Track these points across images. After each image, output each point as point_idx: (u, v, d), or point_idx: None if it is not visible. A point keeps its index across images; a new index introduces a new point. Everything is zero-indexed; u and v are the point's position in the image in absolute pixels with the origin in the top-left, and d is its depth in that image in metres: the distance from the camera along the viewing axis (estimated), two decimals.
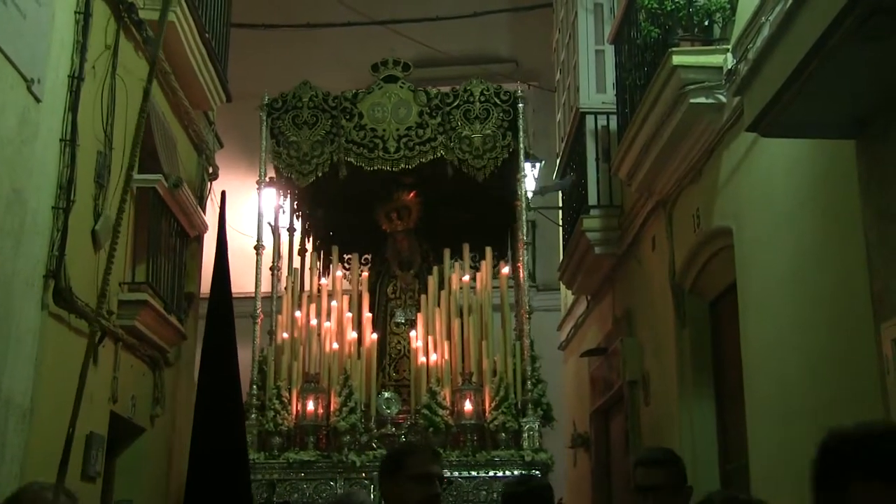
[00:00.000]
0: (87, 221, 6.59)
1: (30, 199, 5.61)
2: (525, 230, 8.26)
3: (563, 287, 11.83)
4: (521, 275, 8.29)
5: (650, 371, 8.17)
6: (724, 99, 6.04)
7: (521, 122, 8.28)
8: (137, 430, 7.97)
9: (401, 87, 8.45)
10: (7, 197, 5.31)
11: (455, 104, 8.34)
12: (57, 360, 6.06)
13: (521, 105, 8.32)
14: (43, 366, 5.80)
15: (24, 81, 5.47)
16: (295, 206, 9.29)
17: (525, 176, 8.36)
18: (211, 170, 9.92)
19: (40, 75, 5.65)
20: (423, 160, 8.22)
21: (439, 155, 8.21)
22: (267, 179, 8.39)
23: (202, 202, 9.50)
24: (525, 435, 7.54)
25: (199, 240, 9.33)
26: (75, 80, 6.22)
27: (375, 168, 8.28)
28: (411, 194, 9.17)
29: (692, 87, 6.13)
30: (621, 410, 9.13)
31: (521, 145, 8.23)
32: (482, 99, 8.35)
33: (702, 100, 6.14)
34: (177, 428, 8.94)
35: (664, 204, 7.53)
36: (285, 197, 9.02)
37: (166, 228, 8.06)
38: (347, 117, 8.31)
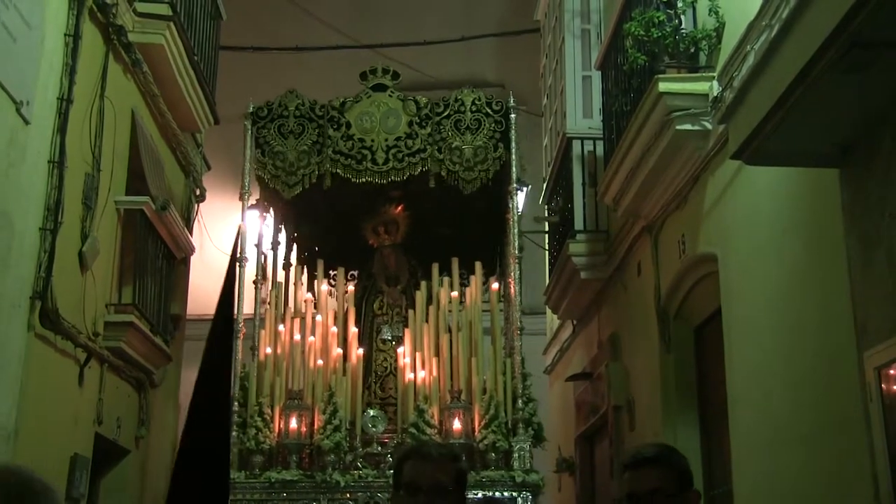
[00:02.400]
0: (74, 243, 6.60)
1: (17, 221, 5.62)
2: (516, 244, 8.01)
3: (548, 311, 11.84)
4: (512, 290, 8.03)
5: (635, 396, 8.18)
6: (709, 126, 6.09)
7: (512, 133, 8.06)
8: (122, 452, 7.94)
9: (390, 95, 8.23)
10: None
11: (445, 114, 8.12)
12: (42, 382, 6.06)
13: (513, 116, 8.10)
14: (28, 387, 5.79)
15: (14, 104, 5.49)
16: (279, 220, 9.05)
17: (517, 189, 8.10)
18: (198, 191, 9.94)
19: (29, 98, 5.68)
20: (413, 172, 7.99)
21: (429, 167, 7.99)
22: (250, 192, 8.03)
23: (189, 224, 9.50)
24: (516, 455, 7.35)
25: (186, 262, 9.33)
26: (64, 102, 6.24)
27: (364, 180, 8.05)
28: (399, 208, 8.97)
29: (678, 113, 6.18)
30: (606, 435, 9.13)
31: (514, 157, 8.00)
32: (473, 109, 8.14)
33: (687, 126, 6.19)
34: (161, 449, 8.92)
35: (650, 229, 7.57)
36: (269, 210, 8.72)
37: (153, 250, 8.06)
38: (335, 127, 8.07)
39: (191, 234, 9.35)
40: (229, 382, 4.32)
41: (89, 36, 6.74)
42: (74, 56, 6.37)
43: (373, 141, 8.03)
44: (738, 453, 5.77)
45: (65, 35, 6.35)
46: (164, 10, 7.67)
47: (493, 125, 8.09)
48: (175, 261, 8.80)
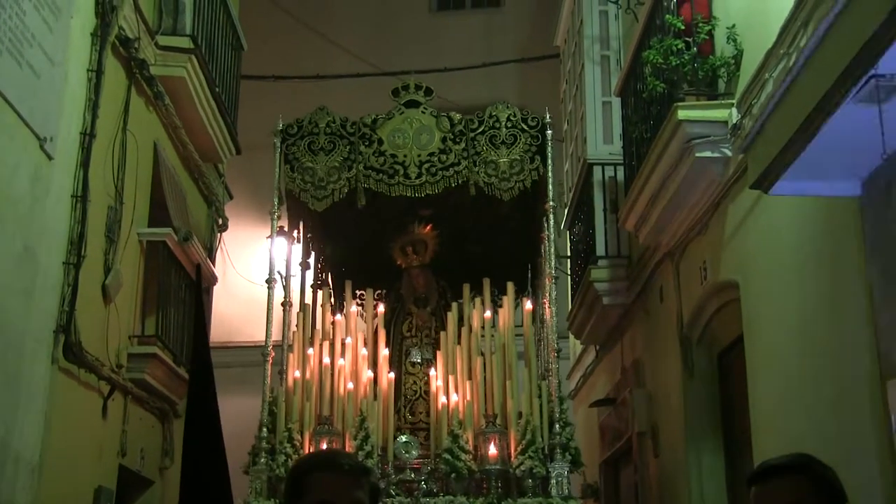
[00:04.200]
0: (97, 275, 6.65)
1: (41, 256, 5.67)
2: (553, 263, 7.72)
3: (571, 336, 11.82)
4: (548, 311, 7.68)
5: (659, 422, 8.14)
6: (729, 153, 6.08)
7: (549, 149, 7.75)
8: (146, 483, 7.97)
9: (423, 112, 7.97)
10: (19, 255, 5.38)
11: (480, 130, 7.85)
12: (66, 415, 6.11)
13: (549, 132, 7.80)
14: (52, 421, 5.83)
15: (37, 140, 5.56)
16: (307, 240, 8.73)
17: (554, 206, 7.77)
18: (221, 221, 10.00)
19: (53, 133, 5.74)
20: (447, 185, 7.73)
21: (466, 178, 7.73)
22: (279, 211, 7.76)
23: (211, 254, 9.55)
24: (553, 481, 6.95)
25: (209, 291, 9.37)
26: (87, 137, 6.31)
27: (397, 194, 7.79)
28: (427, 227, 8.69)
29: (697, 141, 6.17)
30: (631, 461, 9.09)
31: (550, 173, 7.71)
32: (508, 125, 7.85)
33: (707, 154, 6.18)
34: None
35: (671, 255, 7.56)
36: (298, 230, 8.43)
37: (175, 281, 8.11)
38: (366, 143, 7.81)
39: (213, 263, 9.40)
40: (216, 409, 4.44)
41: (112, 70, 6.81)
42: (97, 91, 6.44)
43: (405, 156, 7.79)
44: None
45: (88, 70, 6.43)
46: (185, 43, 7.74)
47: (529, 140, 7.81)
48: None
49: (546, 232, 7.82)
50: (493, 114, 7.96)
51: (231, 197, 10.74)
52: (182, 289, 8.31)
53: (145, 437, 7.79)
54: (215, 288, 9.64)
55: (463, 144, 7.84)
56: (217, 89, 8.64)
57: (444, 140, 7.87)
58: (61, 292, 6.03)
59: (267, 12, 14.10)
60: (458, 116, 8.00)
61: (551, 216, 7.79)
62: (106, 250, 6.80)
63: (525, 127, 7.89)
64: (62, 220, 6.07)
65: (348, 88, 13.72)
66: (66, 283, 6.06)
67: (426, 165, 7.79)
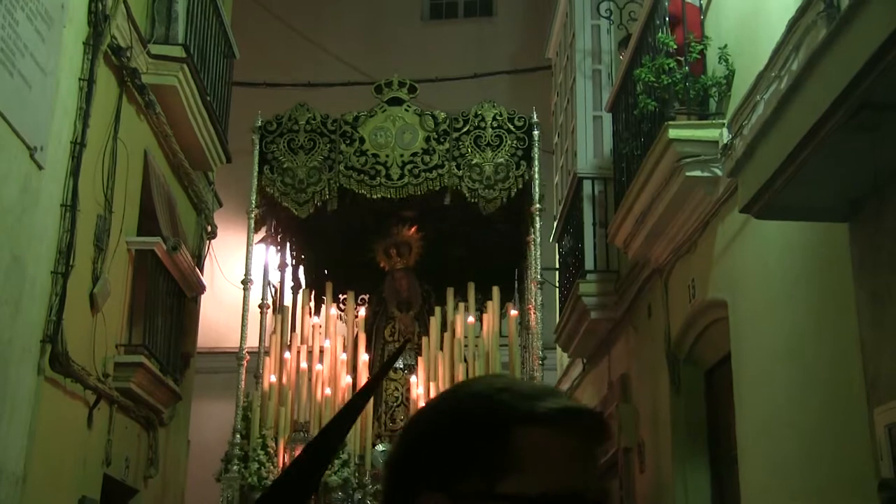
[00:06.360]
0: (85, 284, 6.63)
1: (29, 266, 5.65)
2: (538, 268, 7.58)
3: (558, 348, 11.81)
4: (533, 318, 7.58)
5: (645, 438, 8.14)
6: (719, 173, 6.09)
7: (536, 151, 7.63)
8: (131, 492, 7.94)
9: (406, 110, 7.79)
10: (6, 265, 5.36)
11: (465, 130, 7.69)
12: (51, 426, 6.08)
13: (535, 133, 7.67)
14: (37, 432, 5.80)
15: (28, 150, 5.54)
16: (287, 240, 8.69)
17: (541, 209, 7.63)
18: (209, 229, 9.98)
19: (43, 143, 5.72)
20: (430, 188, 7.52)
21: (446, 184, 7.52)
22: (258, 211, 7.66)
23: (200, 261, 9.53)
24: None
25: (196, 300, 9.35)
26: (77, 146, 6.29)
27: (378, 196, 7.60)
28: (412, 230, 8.54)
29: (688, 160, 6.18)
30: (616, 476, 9.08)
31: (537, 176, 7.58)
32: (494, 125, 7.70)
33: (697, 173, 6.19)
34: (170, 488, 8.90)
35: (660, 272, 7.56)
36: (277, 231, 8.36)
37: (163, 290, 8.09)
38: (347, 142, 7.64)
39: (202, 271, 9.37)
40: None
41: (103, 79, 6.80)
42: (88, 100, 6.43)
43: (387, 156, 7.62)
44: (748, 502, 5.73)
45: (79, 79, 6.42)
46: (177, 52, 7.73)
47: (514, 142, 7.66)
48: (185, 299, 8.82)
49: (532, 236, 7.68)
50: (479, 113, 7.83)
51: (220, 205, 10.72)
52: (170, 297, 8.29)
53: (130, 446, 7.76)
54: (202, 297, 9.60)
55: (447, 145, 7.66)
56: (208, 97, 8.62)
57: (427, 140, 7.70)
58: (49, 302, 6.01)
59: (260, 19, 14.10)
60: (442, 115, 7.82)
61: (537, 220, 7.67)
62: (94, 259, 6.78)
63: (511, 127, 7.72)
64: (51, 229, 6.05)
65: (340, 96, 13.70)
66: (54, 293, 6.04)
67: (409, 166, 7.61)
